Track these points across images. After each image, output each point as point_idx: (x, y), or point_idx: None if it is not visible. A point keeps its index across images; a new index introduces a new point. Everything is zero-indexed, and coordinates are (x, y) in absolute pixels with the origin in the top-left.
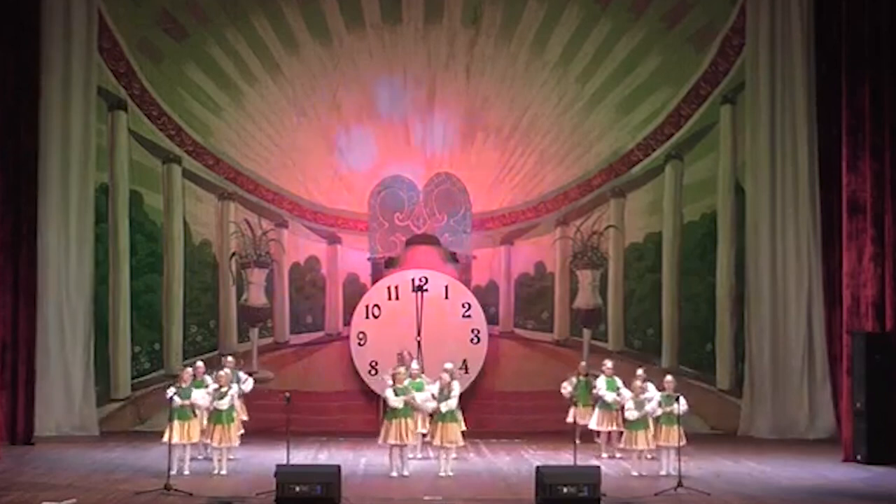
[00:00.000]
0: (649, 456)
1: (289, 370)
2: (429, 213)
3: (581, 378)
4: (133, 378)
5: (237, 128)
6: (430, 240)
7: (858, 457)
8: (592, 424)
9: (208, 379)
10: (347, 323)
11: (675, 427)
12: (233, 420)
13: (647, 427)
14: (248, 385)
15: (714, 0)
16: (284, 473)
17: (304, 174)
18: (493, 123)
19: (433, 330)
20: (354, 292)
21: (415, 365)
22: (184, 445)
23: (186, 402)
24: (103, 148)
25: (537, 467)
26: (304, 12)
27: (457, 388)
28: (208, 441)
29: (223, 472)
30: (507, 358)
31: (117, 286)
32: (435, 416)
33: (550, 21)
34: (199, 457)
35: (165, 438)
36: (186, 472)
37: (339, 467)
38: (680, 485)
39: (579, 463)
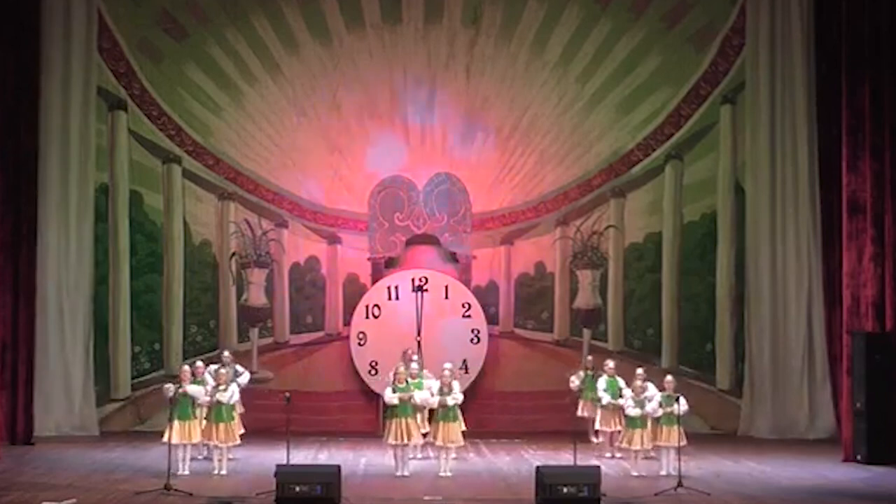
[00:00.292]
0: (643, 456)
1: (289, 370)
2: (429, 213)
3: (588, 372)
4: (133, 378)
5: (237, 128)
6: (430, 240)
7: (858, 457)
8: (596, 424)
9: (209, 378)
10: (347, 323)
11: (676, 427)
12: (233, 418)
13: (644, 426)
14: (245, 378)
15: (714, 0)
16: (284, 473)
17: (304, 174)
18: (493, 123)
19: (433, 330)
20: (354, 292)
21: (414, 364)
22: (184, 445)
23: (181, 391)
24: (103, 148)
25: (537, 467)
26: (304, 12)
27: (457, 388)
28: (209, 441)
29: (223, 472)
30: (507, 358)
31: (117, 286)
32: (436, 415)
33: (550, 21)
34: (199, 457)
35: (165, 438)
36: (186, 472)
37: (339, 467)
38: (680, 485)
39: (579, 463)
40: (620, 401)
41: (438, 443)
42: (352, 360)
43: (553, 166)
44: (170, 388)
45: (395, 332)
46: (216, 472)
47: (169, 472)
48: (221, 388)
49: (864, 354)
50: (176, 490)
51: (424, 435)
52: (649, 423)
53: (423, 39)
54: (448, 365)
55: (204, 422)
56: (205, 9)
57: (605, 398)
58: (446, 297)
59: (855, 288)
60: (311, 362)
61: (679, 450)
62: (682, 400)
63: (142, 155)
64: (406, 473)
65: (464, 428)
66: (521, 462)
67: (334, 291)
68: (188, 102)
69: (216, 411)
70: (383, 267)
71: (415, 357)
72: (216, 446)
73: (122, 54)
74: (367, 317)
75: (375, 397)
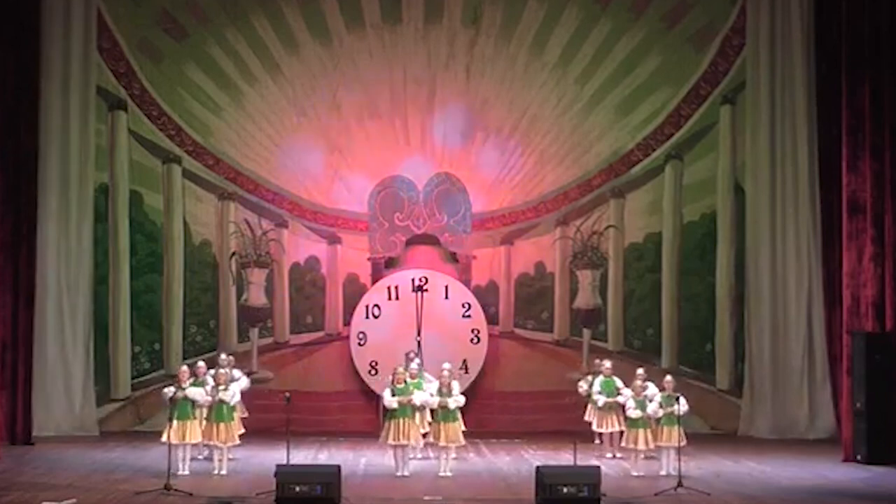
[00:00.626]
0: (644, 455)
1: (289, 370)
2: (429, 213)
3: (594, 375)
4: (133, 378)
5: (237, 128)
6: (430, 240)
7: (858, 457)
8: (594, 426)
9: (209, 379)
10: (347, 323)
11: (676, 427)
12: (233, 418)
13: (646, 427)
14: (244, 383)
15: (714, 0)
16: (284, 473)
17: (304, 174)
18: (493, 123)
19: (433, 330)
20: (354, 292)
21: (413, 365)
22: (184, 445)
23: (181, 394)
24: (103, 148)
25: (537, 467)
26: (304, 12)
27: (456, 388)
28: (210, 441)
29: (223, 472)
30: (507, 358)
31: (117, 286)
32: (437, 416)
33: (550, 21)
34: (200, 457)
35: (164, 439)
36: (186, 472)
37: (339, 467)
38: (680, 485)
39: (579, 463)
40: (619, 398)
41: (440, 443)
42: (352, 360)
43: (553, 166)
44: (169, 390)
45: (395, 332)
46: (216, 472)
47: (169, 472)
48: (222, 387)
49: (864, 354)
50: (176, 490)
51: (424, 435)
52: (651, 423)
53: (423, 39)
54: (447, 365)
55: (204, 422)
56: (205, 9)
57: (601, 400)
58: (446, 297)
59: (855, 288)
60: (311, 362)
61: (679, 450)
62: (682, 400)
63: (142, 155)
64: (406, 473)
65: (464, 428)
66: (521, 462)
67: (334, 291)
68: (188, 102)
69: (217, 411)
70: (383, 267)
71: (416, 360)
72: (216, 446)
73: (122, 54)
74: (367, 317)
75: (375, 397)
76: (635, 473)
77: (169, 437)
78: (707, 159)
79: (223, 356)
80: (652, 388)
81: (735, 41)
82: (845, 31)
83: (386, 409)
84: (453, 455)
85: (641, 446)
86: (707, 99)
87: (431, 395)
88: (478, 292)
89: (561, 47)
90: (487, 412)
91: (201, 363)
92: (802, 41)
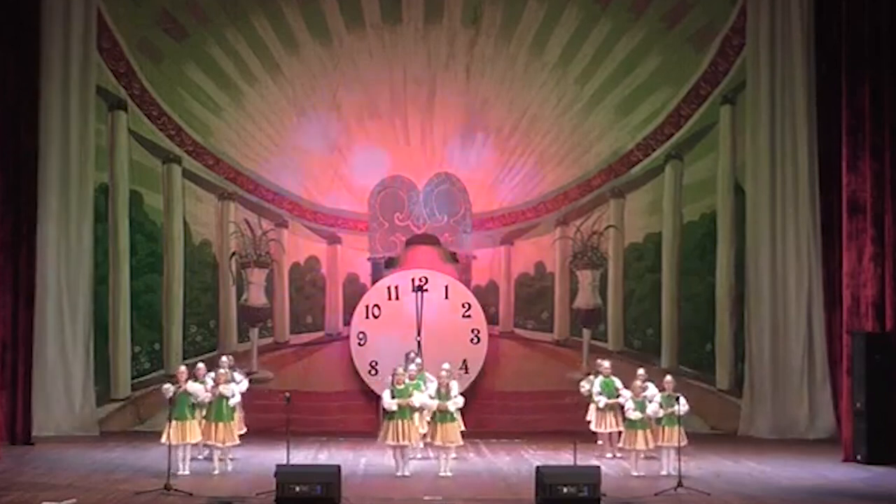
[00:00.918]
0: (644, 455)
1: (289, 370)
2: (429, 213)
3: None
4: (133, 378)
5: (237, 128)
6: (430, 240)
7: (858, 457)
8: (592, 426)
9: (209, 380)
10: (347, 323)
11: (676, 427)
12: (233, 418)
13: (646, 427)
14: (244, 385)
15: (714, 0)
16: (284, 473)
17: (304, 174)
18: (493, 123)
19: (433, 330)
20: (354, 292)
21: (413, 365)
22: (184, 445)
23: (180, 389)
24: (103, 148)
25: (537, 467)
26: (304, 12)
27: (455, 389)
28: (210, 442)
29: (223, 471)
30: (507, 358)
31: (117, 286)
32: (436, 416)
33: (550, 21)
34: (200, 457)
35: (164, 439)
36: (186, 472)
37: (339, 467)
38: (680, 485)
39: (579, 463)
40: (620, 399)
41: (437, 443)
42: (352, 360)
43: (553, 166)
44: (169, 388)
45: (395, 332)
46: (216, 472)
47: (169, 472)
48: (222, 385)
49: (864, 354)
50: (176, 490)
51: (423, 436)
52: (651, 424)
53: (423, 39)
54: (446, 365)
55: (203, 422)
56: (205, 9)
57: (602, 401)
58: (446, 297)
59: (855, 288)
60: (311, 362)
61: (679, 450)
62: (683, 400)
63: (142, 155)
64: (406, 473)
65: (463, 428)
66: (521, 462)
67: (334, 291)
68: (188, 102)
69: (217, 410)
70: (383, 267)
71: (417, 360)
72: (216, 446)
73: (121, 54)
74: (367, 317)
75: (375, 397)
76: (635, 473)
77: (169, 437)
78: (707, 159)
79: (224, 358)
80: (652, 389)
81: (735, 41)
82: (845, 31)
83: (385, 410)
84: (453, 455)
85: (640, 446)
86: (707, 99)
87: (431, 396)
88: (478, 292)
89: (561, 47)
90: (487, 412)
91: (201, 364)
92: (802, 41)
